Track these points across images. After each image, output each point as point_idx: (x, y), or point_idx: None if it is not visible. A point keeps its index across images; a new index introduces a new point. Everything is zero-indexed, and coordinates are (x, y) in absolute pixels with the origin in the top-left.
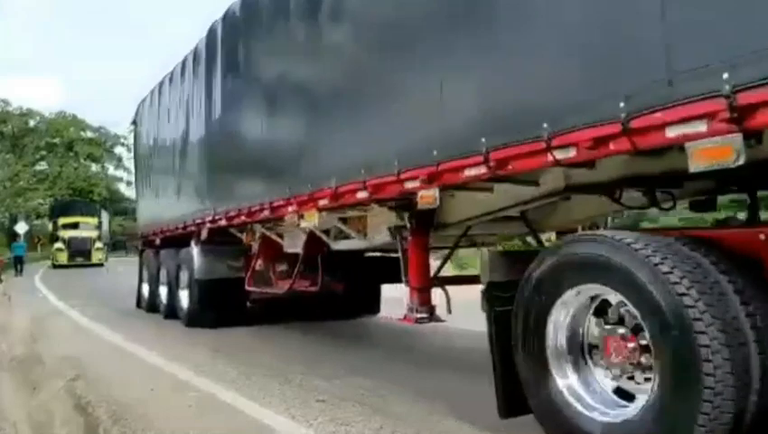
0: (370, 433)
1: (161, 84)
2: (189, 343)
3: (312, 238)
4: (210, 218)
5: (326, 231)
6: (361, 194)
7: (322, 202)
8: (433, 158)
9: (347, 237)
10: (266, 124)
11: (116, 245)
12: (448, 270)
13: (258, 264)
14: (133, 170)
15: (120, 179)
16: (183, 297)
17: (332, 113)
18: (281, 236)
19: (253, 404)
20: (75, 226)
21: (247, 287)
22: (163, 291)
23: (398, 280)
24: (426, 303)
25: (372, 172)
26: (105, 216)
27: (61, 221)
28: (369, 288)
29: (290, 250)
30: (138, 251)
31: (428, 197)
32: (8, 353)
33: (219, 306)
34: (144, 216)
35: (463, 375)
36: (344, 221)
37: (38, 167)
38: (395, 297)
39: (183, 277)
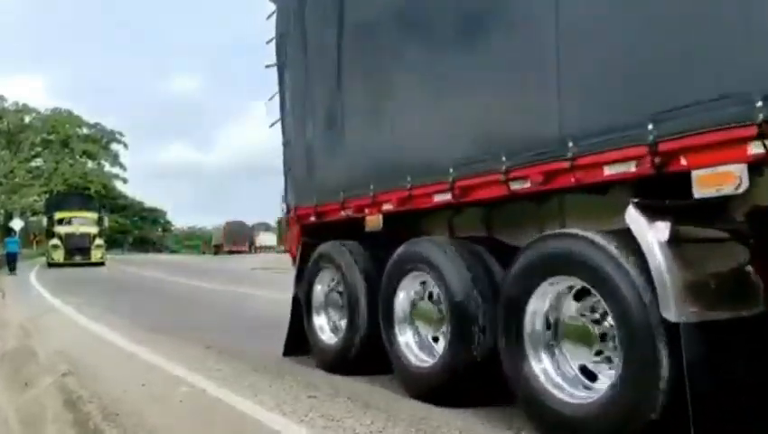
0: (362, 429)
1: None
2: (181, 339)
3: None
4: None
5: None
6: None
7: None
8: None
9: None
10: None
11: (116, 242)
12: None
13: None
14: (129, 167)
15: (116, 176)
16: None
17: None
18: None
19: (244, 400)
20: (72, 221)
21: None
22: (411, 340)
23: None
24: None
25: None
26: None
27: (58, 215)
28: None
29: None
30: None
31: None
32: (1, 349)
33: None
34: (322, 169)
35: None
36: None
37: (33, 164)
38: None
39: (568, 311)
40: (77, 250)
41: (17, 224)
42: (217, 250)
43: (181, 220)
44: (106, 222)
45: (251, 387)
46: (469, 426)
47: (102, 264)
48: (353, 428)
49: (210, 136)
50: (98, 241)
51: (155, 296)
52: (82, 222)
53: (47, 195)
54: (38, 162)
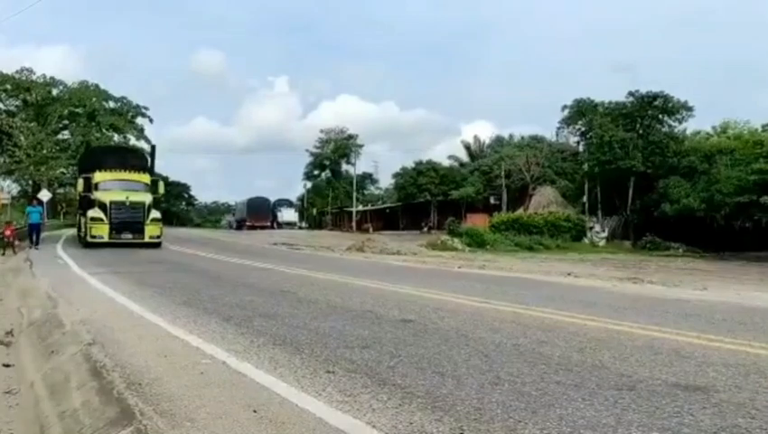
0: (378, 404)
1: None
2: (202, 312)
3: None
4: None
5: None
6: None
7: None
8: None
9: None
10: None
11: None
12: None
13: None
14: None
15: (142, 150)
16: None
17: None
18: None
19: (264, 374)
20: (120, 185)
21: None
22: None
23: None
24: None
25: None
26: None
27: (98, 176)
28: None
29: None
30: None
31: None
32: (28, 319)
33: None
34: None
35: (468, 346)
36: None
37: (61, 136)
38: None
39: None
40: (126, 226)
41: (45, 196)
42: (240, 225)
43: (203, 195)
44: (161, 188)
45: (271, 360)
46: (485, 405)
47: (158, 244)
48: (369, 403)
49: (233, 112)
50: (155, 214)
51: (179, 269)
52: (133, 187)
53: (73, 166)
54: (65, 134)
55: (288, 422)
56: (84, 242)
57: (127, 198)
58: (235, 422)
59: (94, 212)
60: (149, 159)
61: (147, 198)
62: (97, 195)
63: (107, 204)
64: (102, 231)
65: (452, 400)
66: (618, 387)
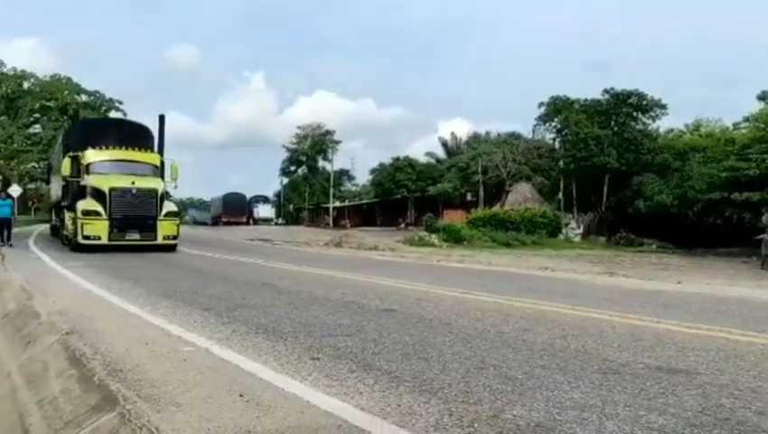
0: (365, 388)
1: None
2: (182, 303)
3: None
4: None
5: None
6: None
7: None
8: None
9: None
10: None
11: None
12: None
13: None
14: None
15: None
16: None
17: None
18: None
19: (248, 360)
20: (121, 167)
21: None
22: None
23: None
24: None
25: None
26: None
27: (91, 155)
28: None
29: None
30: None
31: None
32: (2, 310)
33: None
34: None
35: (457, 335)
36: None
37: (32, 130)
38: None
39: None
40: (133, 222)
41: (16, 191)
42: (215, 221)
43: (178, 190)
44: (176, 171)
45: (254, 348)
46: (471, 388)
47: (173, 247)
48: (356, 387)
49: (209, 108)
50: (170, 206)
51: (157, 263)
52: (139, 170)
53: (44, 161)
54: (36, 128)
55: (276, 405)
56: (73, 244)
57: (133, 184)
58: (222, 406)
59: (87, 204)
60: (156, 135)
61: (159, 185)
62: (90, 181)
63: (107, 193)
64: (99, 230)
65: (438, 383)
66: (602, 371)
